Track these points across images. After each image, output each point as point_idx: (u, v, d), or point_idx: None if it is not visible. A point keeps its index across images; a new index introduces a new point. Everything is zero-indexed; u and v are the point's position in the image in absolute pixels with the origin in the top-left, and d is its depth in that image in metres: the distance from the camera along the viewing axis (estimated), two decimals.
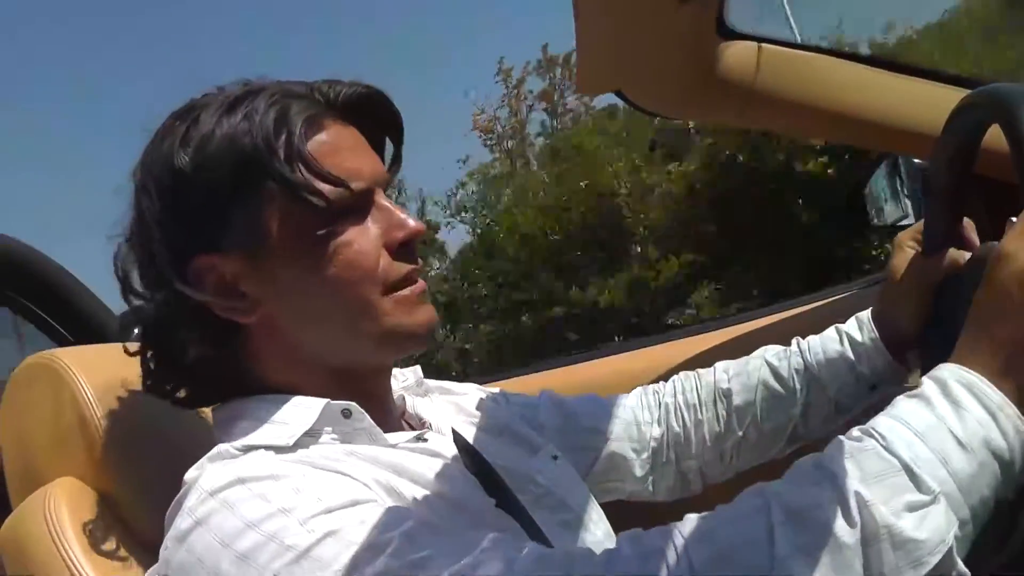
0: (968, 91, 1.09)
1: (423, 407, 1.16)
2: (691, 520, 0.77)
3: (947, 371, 0.80)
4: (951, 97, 1.13)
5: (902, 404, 0.80)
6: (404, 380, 1.17)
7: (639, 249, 14.65)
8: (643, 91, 1.47)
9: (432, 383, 1.24)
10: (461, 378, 1.25)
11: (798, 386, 1.26)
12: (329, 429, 0.96)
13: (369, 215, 0.99)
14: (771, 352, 1.32)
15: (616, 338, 13.54)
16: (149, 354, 1.03)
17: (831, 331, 1.29)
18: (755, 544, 0.71)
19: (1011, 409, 0.76)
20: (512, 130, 25.70)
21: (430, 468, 0.97)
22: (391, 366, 1.11)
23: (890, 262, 1.26)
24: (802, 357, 1.28)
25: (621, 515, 1.17)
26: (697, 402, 1.32)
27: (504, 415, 1.24)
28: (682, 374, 1.38)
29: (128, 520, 1.08)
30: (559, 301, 15.03)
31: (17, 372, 1.16)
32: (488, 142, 25.79)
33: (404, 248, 1.00)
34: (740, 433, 1.28)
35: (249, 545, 0.77)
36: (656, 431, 1.32)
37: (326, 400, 0.96)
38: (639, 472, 1.31)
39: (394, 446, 0.98)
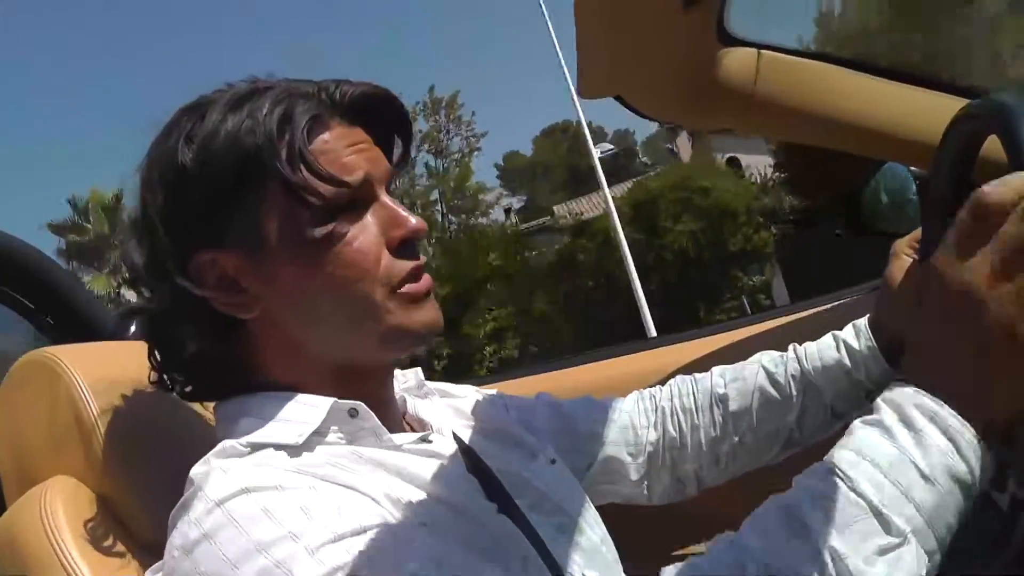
0: (967, 100, 1.09)
1: (424, 409, 1.16)
2: (672, 569, 0.77)
3: (901, 396, 0.80)
4: (950, 106, 1.14)
5: (860, 433, 0.80)
6: (405, 381, 1.17)
7: None
8: (643, 97, 1.48)
9: (432, 385, 1.24)
10: None
11: (794, 392, 1.26)
12: (336, 428, 0.96)
13: (370, 213, 0.99)
14: (768, 358, 1.32)
15: None
16: (153, 349, 1.03)
17: (828, 338, 1.30)
18: None
19: (970, 433, 0.76)
20: None
21: (433, 471, 0.97)
22: (393, 366, 1.10)
23: (887, 270, 1.26)
24: (799, 363, 1.28)
25: (618, 518, 1.17)
26: (693, 406, 1.32)
27: (502, 418, 1.24)
28: (679, 378, 1.38)
29: (124, 519, 1.07)
30: None
31: (13, 369, 1.15)
32: None
33: (405, 246, 1.00)
34: (736, 438, 1.28)
35: (257, 569, 0.76)
36: (652, 435, 1.32)
37: (333, 399, 0.96)
38: (635, 476, 1.31)
39: (399, 447, 0.98)
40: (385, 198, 1.01)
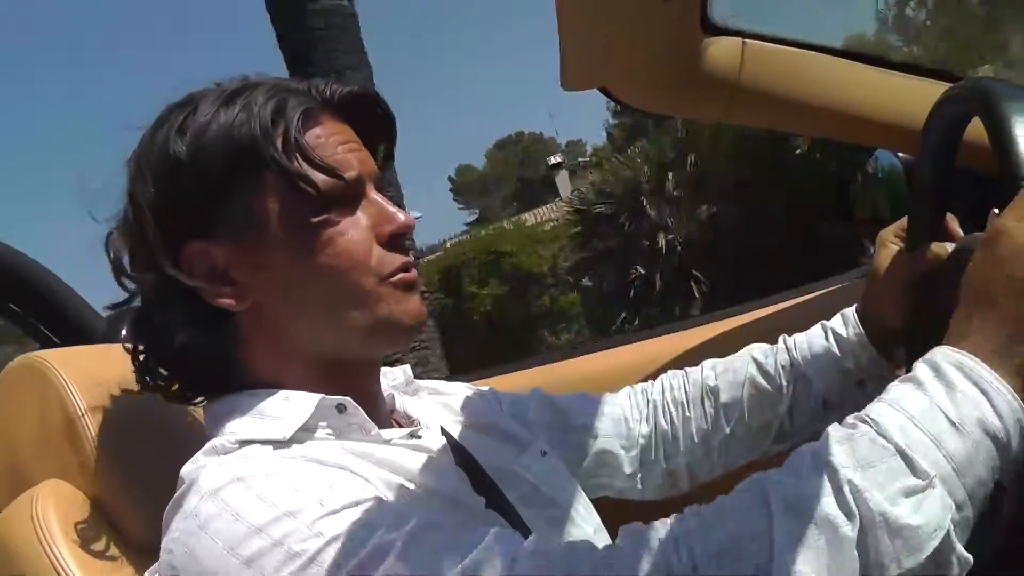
0: (949, 85, 1.10)
1: (412, 406, 1.17)
2: (692, 513, 0.77)
3: (940, 354, 0.80)
4: (934, 91, 1.14)
5: (895, 389, 0.80)
6: (394, 379, 1.18)
7: None
8: (628, 88, 1.48)
9: (421, 383, 1.24)
10: None
11: (784, 383, 1.27)
12: (324, 424, 0.96)
13: (361, 208, 1.01)
14: (758, 350, 1.33)
15: None
16: (140, 348, 1.03)
17: (817, 328, 1.31)
18: (756, 536, 0.72)
19: (1004, 387, 0.75)
20: None
21: (424, 465, 0.98)
22: (380, 361, 1.11)
23: (874, 258, 1.27)
24: (788, 354, 1.29)
25: (611, 512, 1.17)
26: (685, 399, 1.33)
27: (493, 413, 1.25)
28: (670, 372, 1.39)
29: (116, 521, 1.07)
30: None
31: (3, 374, 1.15)
32: None
33: (394, 241, 1.01)
34: (727, 430, 1.28)
35: (255, 551, 0.77)
36: (645, 428, 1.33)
37: (321, 395, 0.96)
38: (628, 469, 1.31)
39: (388, 442, 0.99)
40: (375, 195, 1.02)
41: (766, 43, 1.42)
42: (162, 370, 1.03)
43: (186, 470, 0.89)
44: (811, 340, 1.29)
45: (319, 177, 0.95)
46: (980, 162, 1.11)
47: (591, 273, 15.83)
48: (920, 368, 0.80)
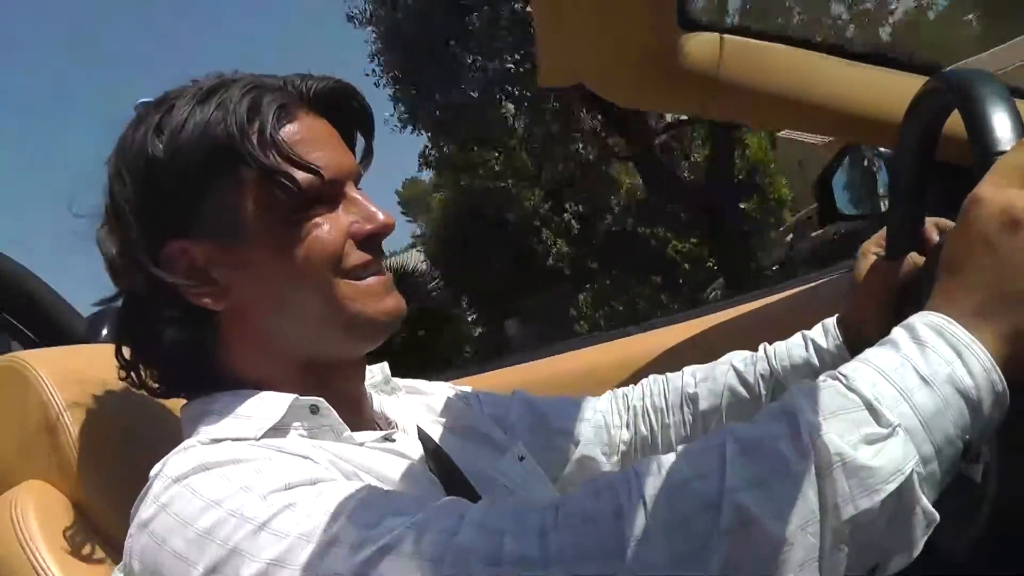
0: (927, 78, 1.10)
1: (390, 406, 1.17)
2: (650, 458, 0.77)
3: (917, 317, 0.79)
4: (913, 84, 1.14)
5: (870, 350, 0.79)
6: (372, 377, 1.17)
7: None
8: (605, 84, 1.47)
9: (400, 381, 1.24)
10: None
11: (763, 391, 1.28)
12: (297, 424, 0.96)
13: (340, 206, 1.01)
14: (738, 358, 1.33)
15: None
16: (123, 346, 1.03)
17: (797, 337, 1.31)
18: (706, 476, 0.71)
19: (979, 348, 0.74)
20: None
21: (395, 469, 0.98)
22: (362, 362, 1.11)
23: (854, 268, 1.28)
24: (768, 363, 1.30)
25: None
26: (664, 406, 1.33)
27: (472, 415, 1.25)
28: (651, 377, 1.39)
29: (97, 521, 1.07)
30: None
31: None
32: None
33: (370, 240, 1.01)
34: None
35: (211, 522, 0.77)
36: (625, 435, 1.33)
37: (294, 395, 0.96)
38: None
39: (360, 444, 0.99)
40: (355, 192, 1.03)
41: (744, 38, 1.42)
42: (144, 367, 1.03)
43: (155, 470, 0.89)
44: (791, 350, 1.29)
45: (297, 174, 0.95)
46: (959, 155, 1.12)
47: None
48: (896, 331, 0.79)
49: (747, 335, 1.34)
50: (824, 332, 1.28)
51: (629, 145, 13.98)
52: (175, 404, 1.05)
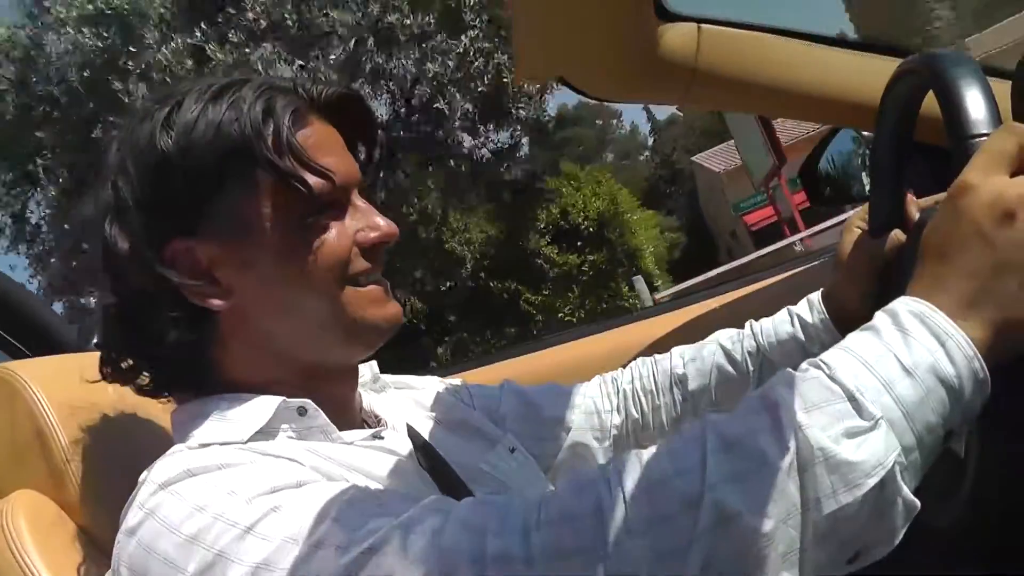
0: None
1: (379, 403, 1.17)
2: (631, 454, 0.77)
3: (900, 303, 0.79)
4: (891, 67, 1.14)
5: (852, 337, 0.79)
6: (360, 376, 1.17)
7: None
8: (584, 77, 1.48)
9: (389, 378, 1.24)
10: None
11: (751, 368, 1.28)
12: (285, 427, 0.96)
13: (348, 213, 1.01)
14: (725, 336, 1.34)
15: None
16: (113, 345, 1.03)
17: (783, 313, 1.32)
18: (687, 472, 0.71)
19: (961, 337, 0.74)
20: None
21: (384, 466, 0.99)
22: (356, 367, 1.11)
23: (839, 243, 1.28)
24: (755, 340, 1.30)
25: None
26: (654, 388, 1.33)
27: (462, 409, 1.26)
28: (639, 360, 1.39)
29: (89, 530, 1.07)
30: None
31: None
32: None
33: (374, 248, 1.01)
34: (696, 417, 1.29)
35: (197, 527, 0.78)
36: (616, 419, 1.33)
37: (282, 398, 0.96)
38: (602, 459, 1.31)
39: (350, 444, 0.99)
40: (359, 201, 1.03)
41: (721, 27, 1.42)
42: (137, 368, 1.03)
43: (143, 476, 0.90)
44: (777, 326, 1.30)
45: (310, 179, 0.95)
46: (939, 135, 1.12)
47: None
48: (879, 317, 0.79)
49: (740, 320, 1.34)
50: (809, 307, 1.28)
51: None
52: (166, 411, 1.05)
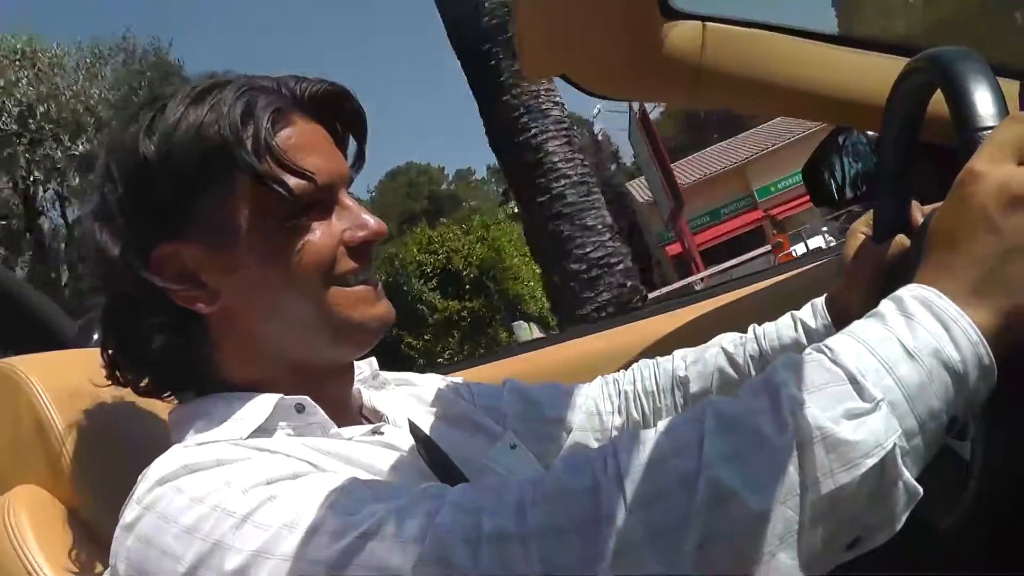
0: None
1: (379, 400, 1.17)
2: (630, 433, 0.77)
3: (905, 290, 0.78)
4: (897, 66, 1.14)
5: (857, 323, 0.79)
6: (360, 373, 1.17)
7: None
8: (588, 74, 1.47)
9: (389, 375, 1.24)
10: None
11: (753, 372, 1.28)
12: (284, 424, 0.96)
13: (333, 212, 1.00)
14: (728, 339, 1.33)
15: None
16: (110, 348, 1.03)
17: (786, 318, 1.31)
18: (684, 451, 0.71)
19: (966, 322, 0.73)
20: None
21: (384, 461, 0.98)
22: (351, 365, 1.11)
23: (843, 249, 1.28)
24: (757, 344, 1.30)
25: None
26: (656, 390, 1.33)
27: (463, 405, 1.26)
28: (642, 362, 1.39)
29: (90, 525, 1.07)
30: None
31: None
32: None
33: (361, 248, 1.01)
34: None
35: (194, 518, 0.78)
36: (617, 420, 1.33)
37: (279, 395, 0.96)
38: None
39: (349, 439, 0.99)
40: (347, 199, 1.02)
41: (727, 25, 1.42)
42: (134, 370, 1.03)
43: (141, 476, 0.89)
44: (780, 330, 1.29)
45: (291, 180, 0.94)
46: (945, 135, 1.12)
47: None
48: (884, 303, 0.79)
49: (741, 321, 1.34)
50: (813, 312, 1.28)
51: None
52: (167, 406, 1.05)
